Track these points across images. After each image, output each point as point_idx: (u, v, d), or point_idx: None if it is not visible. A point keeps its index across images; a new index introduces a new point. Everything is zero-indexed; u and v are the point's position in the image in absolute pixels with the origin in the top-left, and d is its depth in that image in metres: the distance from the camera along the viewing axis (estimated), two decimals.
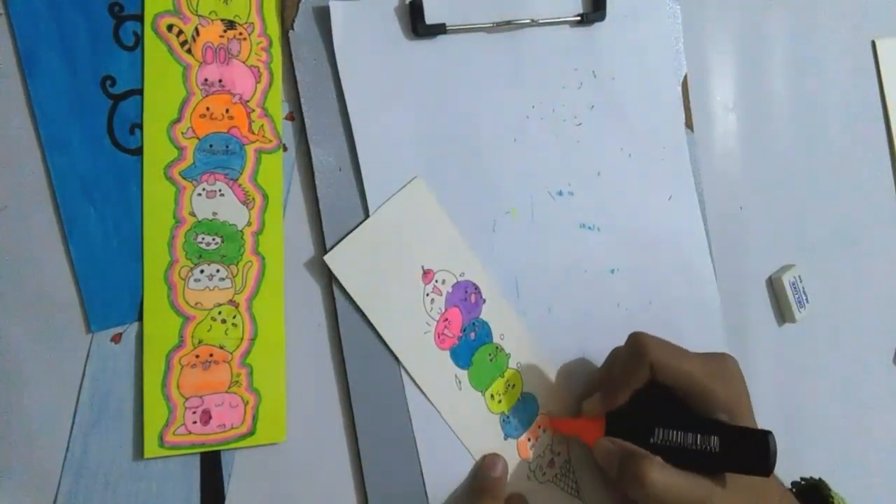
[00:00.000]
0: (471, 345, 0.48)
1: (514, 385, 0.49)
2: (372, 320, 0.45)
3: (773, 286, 0.60)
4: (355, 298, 0.45)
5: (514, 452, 0.48)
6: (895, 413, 0.64)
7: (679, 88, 0.56)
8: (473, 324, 0.48)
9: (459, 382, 0.47)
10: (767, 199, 0.60)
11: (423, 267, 0.47)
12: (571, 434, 0.49)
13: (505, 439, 0.48)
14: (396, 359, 0.46)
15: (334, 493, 0.45)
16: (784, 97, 0.62)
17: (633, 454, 0.41)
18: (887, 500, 0.63)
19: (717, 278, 0.56)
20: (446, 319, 0.47)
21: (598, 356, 0.50)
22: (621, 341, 0.48)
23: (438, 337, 0.47)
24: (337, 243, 0.45)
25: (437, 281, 0.47)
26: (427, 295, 0.47)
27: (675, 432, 0.42)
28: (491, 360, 0.49)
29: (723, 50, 0.59)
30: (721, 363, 0.44)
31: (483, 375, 0.48)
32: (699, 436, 0.41)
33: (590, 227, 0.52)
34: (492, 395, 0.48)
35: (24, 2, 0.40)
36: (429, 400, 0.46)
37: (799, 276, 0.60)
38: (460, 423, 0.47)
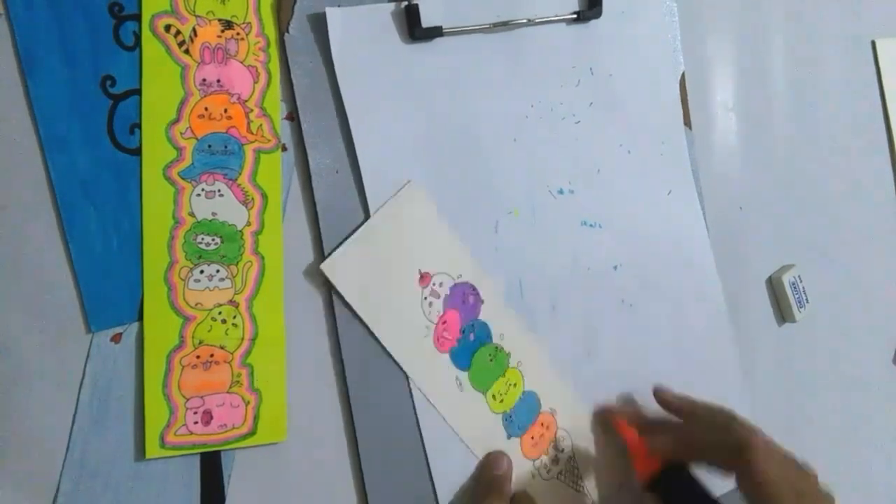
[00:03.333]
0: (470, 346, 0.48)
1: (515, 384, 0.49)
2: (371, 327, 0.45)
3: (773, 286, 0.60)
4: (353, 306, 0.45)
5: (518, 451, 0.48)
6: (895, 413, 0.64)
7: (677, 86, 0.56)
8: (472, 325, 0.48)
9: (460, 384, 0.47)
10: (767, 199, 0.60)
11: (420, 270, 0.47)
12: (625, 441, 0.49)
13: (508, 438, 0.48)
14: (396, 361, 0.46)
15: (334, 492, 0.45)
16: (784, 97, 0.62)
17: None
18: (887, 500, 0.63)
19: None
20: (444, 322, 0.47)
21: (601, 354, 0.51)
22: (624, 338, 0.48)
23: (438, 340, 0.47)
24: (333, 250, 0.45)
25: (434, 284, 0.47)
26: (425, 298, 0.47)
27: None
28: (491, 360, 0.49)
29: (722, 49, 0.59)
30: (811, 484, 0.45)
31: (484, 376, 0.48)
32: None
33: (591, 225, 0.52)
34: (493, 396, 0.48)
35: (24, 2, 0.40)
36: (431, 403, 0.46)
37: (799, 276, 0.60)
38: (463, 425, 0.47)
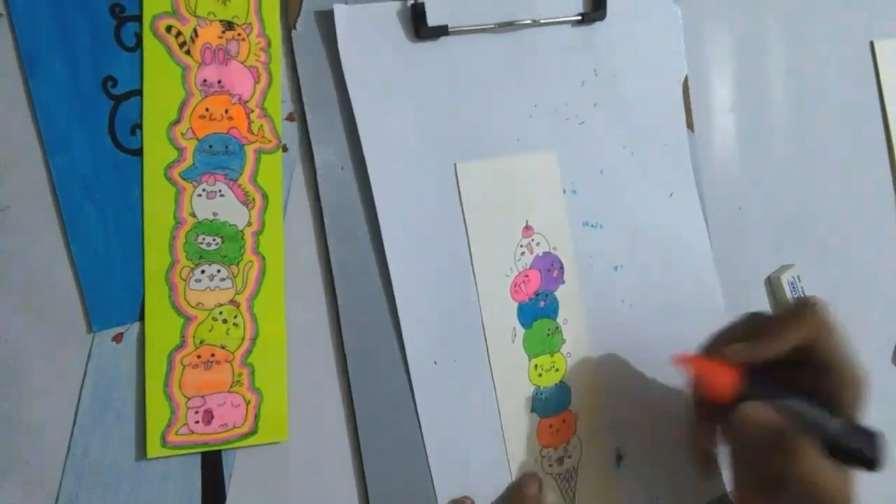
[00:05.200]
0: (538, 311, 0.50)
1: (557, 369, 0.50)
2: (472, 236, 0.48)
3: (772, 286, 0.60)
4: (466, 212, 0.48)
5: (534, 430, 0.49)
6: (895, 413, 0.64)
7: (680, 88, 0.56)
8: (546, 295, 0.50)
9: (514, 337, 0.49)
10: (767, 199, 0.60)
11: (527, 221, 0.49)
12: (699, 374, 0.44)
13: (531, 412, 0.49)
14: (404, 355, 0.46)
15: (335, 491, 0.45)
16: (783, 98, 0.62)
17: (792, 431, 0.39)
18: (886, 501, 0.63)
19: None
20: (526, 276, 0.49)
21: (602, 353, 0.51)
22: (626, 338, 0.48)
23: (514, 286, 0.49)
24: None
25: (533, 240, 0.50)
26: (520, 246, 0.49)
27: (804, 403, 0.41)
28: (548, 334, 0.50)
29: (722, 51, 0.59)
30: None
31: (536, 344, 0.50)
32: (826, 412, 0.41)
33: (592, 226, 0.52)
34: (535, 366, 0.50)
35: (25, 2, 0.40)
36: (483, 332, 0.48)
37: (797, 276, 0.60)
38: (500, 371, 0.48)
